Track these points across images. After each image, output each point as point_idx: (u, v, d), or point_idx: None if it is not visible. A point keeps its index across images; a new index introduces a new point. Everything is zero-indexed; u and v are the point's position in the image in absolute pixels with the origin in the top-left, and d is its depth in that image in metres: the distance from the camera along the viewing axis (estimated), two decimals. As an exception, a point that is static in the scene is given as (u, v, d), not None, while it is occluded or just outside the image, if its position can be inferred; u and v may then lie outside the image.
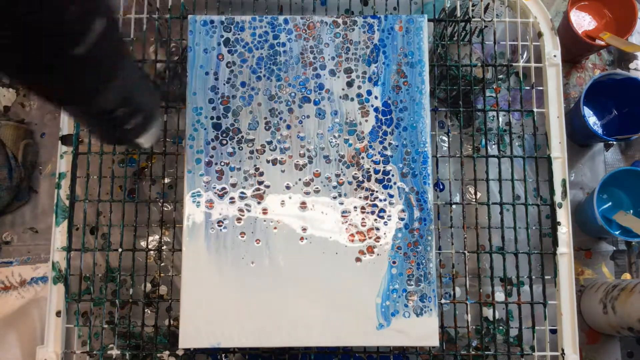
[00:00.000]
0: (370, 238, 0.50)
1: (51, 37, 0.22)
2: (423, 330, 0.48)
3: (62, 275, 0.54)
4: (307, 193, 0.50)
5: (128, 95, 0.32)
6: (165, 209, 0.60)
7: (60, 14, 0.22)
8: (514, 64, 0.58)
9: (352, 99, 0.52)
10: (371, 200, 0.50)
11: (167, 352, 0.55)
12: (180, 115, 0.56)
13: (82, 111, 0.32)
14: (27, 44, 0.22)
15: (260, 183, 0.50)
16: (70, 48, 0.23)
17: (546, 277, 0.54)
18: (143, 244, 0.60)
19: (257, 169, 0.50)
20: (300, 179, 0.50)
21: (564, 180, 0.55)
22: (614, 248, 0.64)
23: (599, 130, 0.66)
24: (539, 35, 0.58)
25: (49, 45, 0.22)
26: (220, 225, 0.50)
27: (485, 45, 0.59)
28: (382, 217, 0.50)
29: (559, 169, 0.55)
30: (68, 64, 0.24)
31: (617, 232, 0.60)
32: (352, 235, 0.50)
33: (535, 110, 0.57)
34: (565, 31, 0.63)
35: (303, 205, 0.50)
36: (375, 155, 0.51)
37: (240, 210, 0.50)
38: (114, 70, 0.28)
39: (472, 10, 0.59)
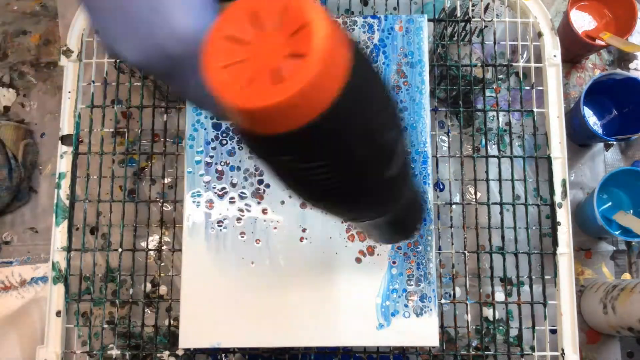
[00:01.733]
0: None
1: (369, 164, 0.22)
2: (423, 330, 0.48)
3: (62, 275, 0.54)
4: (307, 193, 0.50)
5: (415, 193, 0.33)
6: (165, 209, 0.60)
7: (380, 141, 0.21)
8: (514, 64, 0.58)
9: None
10: (371, 200, 0.50)
11: (167, 352, 0.55)
12: (180, 115, 0.56)
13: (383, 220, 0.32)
14: (344, 175, 0.21)
15: (260, 183, 0.50)
16: (385, 169, 0.23)
17: (546, 277, 0.54)
18: (143, 244, 0.60)
19: (257, 169, 0.50)
20: (300, 179, 0.50)
21: (564, 180, 0.55)
22: (614, 248, 0.64)
23: (599, 130, 0.66)
24: (539, 35, 0.58)
25: (365, 172, 0.22)
26: (220, 225, 0.50)
27: (485, 45, 0.59)
28: (382, 217, 0.50)
29: (559, 169, 0.55)
30: (379, 185, 0.24)
31: (617, 232, 0.60)
32: (352, 235, 0.50)
33: (535, 110, 0.57)
34: (565, 31, 0.63)
35: (303, 205, 0.50)
36: (375, 155, 0.51)
37: (240, 210, 0.50)
38: (408, 182, 0.28)
39: (472, 10, 0.59)
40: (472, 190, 0.63)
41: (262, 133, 0.18)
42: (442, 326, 0.53)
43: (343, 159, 0.20)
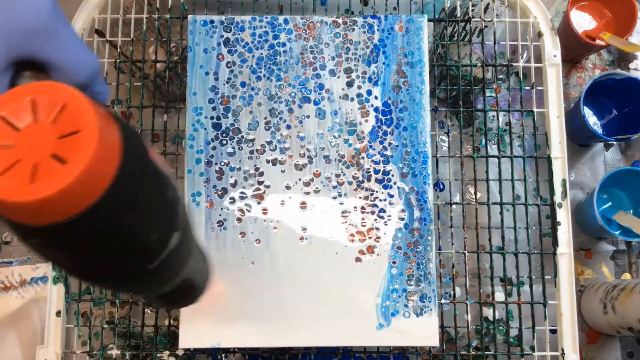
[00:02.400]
0: (370, 238, 0.50)
1: (127, 259, 0.22)
2: (423, 330, 0.48)
3: (62, 275, 0.54)
4: (307, 193, 0.50)
5: (191, 277, 0.33)
6: (165, 209, 0.60)
7: (142, 241, 0.22)
8: (514, 64, 0.58)
9: (352, 99, 0.52)
10: (371, 200, 0.50)
11: (167, 352, 0.55)
12: (180, 115, 0.56)
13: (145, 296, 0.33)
14: (93, 265, 0.22)
15: (260, 183, 0.50)
16: (146, 264, 0.23)
17: (546, 277, 0.54)
18: (143, 244, 0.60)
19: (257, 169, 0.50)
20: (300, 179, 0.50)
21: (564, 180, 0.55)
22: (614, 248, 0.64)
23: (599, 130, 0.66)
24: (539, 35, 0.58)
25: (123, 264, 0.22)
26: (220, 225, 0.50)
27: (485, 45, 0.59)
28: (382, 217, 0.50)
29: (559, 169, 0.55)
30: (141, 276, 0.24)
31: (617, 232, 0.60)
32: (352, 235, 0.50)
33: (535, 110, 0.57)
34: (565, 31, 0.63)
35: (303, 205, 0.50)
36: (375, 155, 0.51)
37: (240, 210, 0.50)
38: (181, 266, 0.29)
39: (472, 10, 0.59)
40: (472, 190, 0.63)
41: (11, 218, 0.18)
42: (442, 326, 0.53)
43: (92, 254, 0.20)
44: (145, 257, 0.23)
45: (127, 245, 0.21)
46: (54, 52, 0.24)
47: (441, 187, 0.62)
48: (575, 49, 0.65)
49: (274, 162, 0.51)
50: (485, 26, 0.59)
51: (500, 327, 0.57)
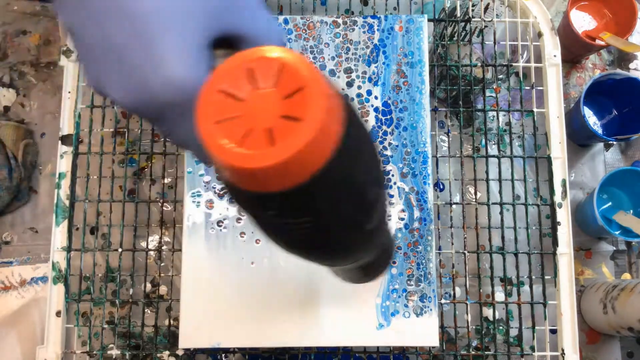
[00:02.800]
0: (370, 238, 0.49)
1: (352, 220, 0.22)
2: (423, 330, 0.48)
3: (62, 275, 0.54)
4: (307, 193, 0.50)
5: (388, 239, 0.33)
6: (165, 209, 0.60)
7: (367, 196, 0.22)
8: (514, 64, 0.58)
9: (352, 99, 0.52)
10: (371, 200, 0.50)
11: (167, 352, 0.55)
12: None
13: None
14: (327, 230, 0.22)
15: (260, 183, 0.50)
16: (366, 223, 0.23)
17: (546, 277, 0.54)
18: (143, 244, 0.60)
19: (257, 169, 0.50)
20: (300, 179, 0.50)
21: (564, 180, 0.55)
22: (614, 248, 0.64)
23: (599, 130, 0.66)
24: (539, 35, 0.58)
25: (347, 228, 0.22)
26: (220, 226, 0.50)
27: (485, 45, 0.59)
28: (382, 217, 0.50)
29: (559, 169, 0.55)
30: (362, 237, 0.24)
31: (617, 232, 0.60)
32: (352, 235, 0.49)
33: (535, 110, 0.57)
34: (565, 31, 0.63)
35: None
36: (375, 155, 0.51)
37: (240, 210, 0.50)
38: (386, 230, 0.29)
39: (472, 10, 0.59)
40: (472, 190, 0.63)
41: (249, 190, 0.18)
42: (442, 326, 0.53)
43: (328, 216, 0.20)
44: (367, 213, 0.23)
45: (356, 200, 0.21)
46: (248, 24, 0.24)
47: (441, 187, 0.62)
48: (575, 49, 0.65)
49: (274, 162, 0.51)
50: (485, 26, 0.59)
51: (500, 327, 0.57)
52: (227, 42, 0.24)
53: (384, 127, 0.51)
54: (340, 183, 0.19)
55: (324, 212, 0.20)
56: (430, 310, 0.49)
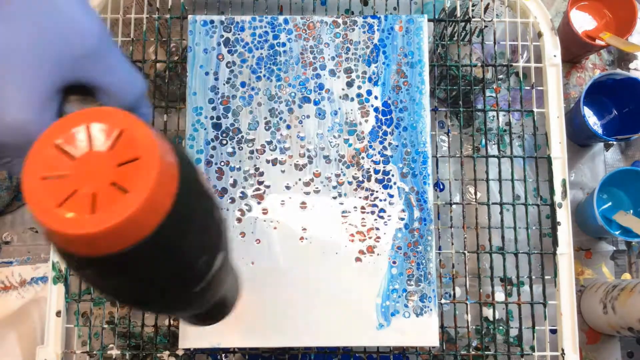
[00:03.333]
0: (370, 238, 0.50)
1: (175, 285, 0.22)
2: (423, 330, 0.48)
3: (62, 275, 0.54)
4: (307, 193, 0.50)
5: (226, 295, 0.33)
6: (165, 209, 0.60)
7: (193, 265, 0.22)
8: (514, 64, 0.58)
9: (352, 99, 0.52)
10: (371, 200, 0.50)
11: (167, 352, 0.55)
12: (180, 115, 0.56)
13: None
14: (147, 292, 0.21)
15: (260, 183, 0.50)
16: (192, 287, 0.23)
17: (546, 277, 0.54)
18: (143, 244, 0.60)
19: (257, 169, 0.50)
20: (300, 179, 0.50)
21: (564, 180, 0.55)
22: (614, 248, 0.64)
23: (599, 130, 0.66)
24: (539, 35, 0.58)
25: (169, 291, 0.22)
26: (220, 225, 0.50)
27: (485, 45, 0.59)
28: (382, 217, 0.50)
29: (559, 169, 0.55)
30: (186, 299, 0.24)
31: (617, 232, 0.60)
32: (352, 235, 0.50)
33: (535, 110, 0.57)
34: (565, 31, 0.63)
35: (303, 205, 0.50)
36: (375, 155, 0.51)
37: (240, 210, 0.50)
38: (221, 286, 0.29)
39: (472, 10, 0.59)
40: (472, 190, 0.63)
41: (67, 249, 0.18)
42: (442, 326, 0.53)
43: (147, 281, 0.20)
44: (193, 280, 0.22)
45: (180, 269, 0.21)
46: (103, 75, 0.24)
47: (441, 187, 0.62)
48: (575, 49, 0.65)
49: (274, 162, 0.51)
50: (485, 26, 0.59)
51: (500, 327, 0.57)
52: (85, 90, 0.24)
53: (384, 127, 0.51)
54: (162, 253, 0.19)
55: (143, 277, 0.20)
56: (430, 310, 0.49)
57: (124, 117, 0.17)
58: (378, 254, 0.49)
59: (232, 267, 0.32)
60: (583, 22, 0.67)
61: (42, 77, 0.21)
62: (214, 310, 0.35)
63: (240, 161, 0.51)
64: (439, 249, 0.56)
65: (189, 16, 0.53)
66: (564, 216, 0.55)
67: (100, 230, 0.16)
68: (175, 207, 0.18)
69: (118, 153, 0.17)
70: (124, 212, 0.16)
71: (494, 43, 0.58)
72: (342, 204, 0.50)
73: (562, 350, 0.52)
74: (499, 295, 0.58)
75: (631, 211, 0.63)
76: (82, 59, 0.23)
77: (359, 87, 0.52)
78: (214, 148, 0.51)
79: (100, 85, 0.24)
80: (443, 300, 0.54)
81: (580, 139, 0.65)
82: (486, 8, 0.60)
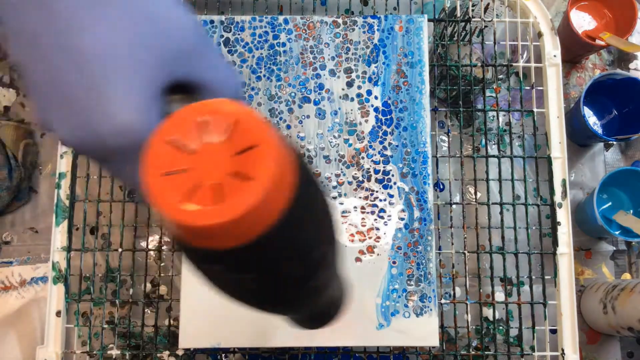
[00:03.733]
0: (370, 238, 0.49)
1: (295, 278, 0.22)
2: (423, 330, 0.48)
3: (62, 275, 0.54)
4: (307, 193, 0.50)
5: (338, 294, 0.33)
6: (165, 209, 0.60)
7: (309, 258, 0.22)
8: (514, 64, 0.58)
9: (352, 99, 0.52)
10: (371, 200, 0.50)
11: (167, 352, 0.55)
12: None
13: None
14: (270, 285, 0.21)
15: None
16: (311, 280, 0.23)
17: (546, 277, 0.54)
18: (143, 244, 0.60)
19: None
20: (300, 179, 0.50)
21: (564, 180, 0.55)
22: (614, 248, 0.64)
23: (599, 130, 0.66)
24: (539, 35, 0.58)
25: (290, 284, 0.22)
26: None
27: (485, 45, 0.59)
28: (382, 217, 0.50)
29: (559, 169, 0.55)
30: (306, 293, 0.24)
31: (617, 232, 0.60)
32: (352, 235, 0.50)
33: (535, 110, 0.57)
34: (565, 31, 0.63)
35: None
36: (375, 155, 0.51)
37: (240, 210, 0.50)
38: (334, 283, 0.28)
39: (472, 10, 0.59)
40: (472, 190, 0.63)
41: (195, 245, 0.18)
42: (442, 326, 0.53)
43: (272, 273, 0.20)
44: (312, 272, 0.22)
45: (302, 259, 0.21)
46: (204, 72, 0.23)
47: (441, 187, 0.62)
48: (575, 49, 0.65)
49: (274, 162, 0.51)
50: (485, 26, 0.59)
51: (500, 327, 0.57)
52: (184, 88, 0.24)
53: (384, 127, 0.51)
54: (287, 243, 0.19)
55: (269, 269, 0.20)
56: (430, 310, 0.49)
57: (234, 107, 0.17)
58: (378, 254, 0.49)
59: (339, 266, 0.32)
60: (583, 22, 0.67)
61: (146, 76, 0.21)
62: (329, 311, 0.34)
63: (240, 161, 0.51)
64: (439, 249, 0.56)
65: (189, 16, 0.53)
66: (564, 216, 0.55)
67: (233, 218, 0.16)
68: (296, 194, 0.18)
69: (235, 142, 0.17)
70: (252, 198, 0.16)
71: (494, 43, 0.58)
72: (342, 204, 0.50)
73: (562, 350, 0.52)
74: (499, 295, 0.58)
75: (631, 211, 0.63)
76: (182, 56, 0.22)
77: (359, 87, 0.52)
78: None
79: (202, 81, 0.23)
80: (443, 300, 0.54)
81: (580, 139, 0.65)
82: (486, 8, 0.60)
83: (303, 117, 0.51)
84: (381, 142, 0.51)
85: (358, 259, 0.49)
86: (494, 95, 0.58)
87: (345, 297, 0.36)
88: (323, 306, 0.31)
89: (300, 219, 0.19)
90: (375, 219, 0.50)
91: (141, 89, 0.21)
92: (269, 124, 0.17)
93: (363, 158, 0.51)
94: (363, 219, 0.50)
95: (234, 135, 0.17)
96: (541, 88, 0.57)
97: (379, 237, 0.49)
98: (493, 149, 0.64)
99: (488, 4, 0.60)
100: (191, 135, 0.17)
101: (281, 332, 0.48)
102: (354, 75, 0.52)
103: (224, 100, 0.17)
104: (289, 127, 0.51)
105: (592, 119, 0.66)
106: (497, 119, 0.58)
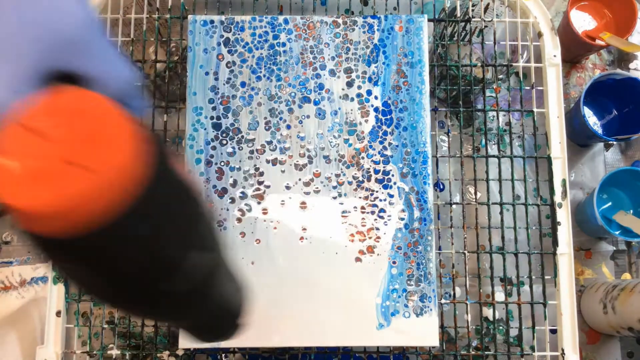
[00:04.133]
0: (370, 238, 0.50)
1: (140, 274, 0.22)
2: (423, 330, 0.48)
3: (62, 275, 0.54)
4: (307, 193, 0.50)
5: (224, 305, 0.32)
6: (165, 209, 0.60)
7: (157, 256, 0.21)
8: (514, 64, 0.58)
9: (352, 99, 0.52)
10: (371, 200, 0.50)
11: (167, 352, 0.55)
12: (180, 115, 0.56)
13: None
14: (111, 277, 0.21)
15: (260, 183, 0.50)
16: (158, 283, 0.23)
17: (546, 277, 0.54)
18: (143, 244, 0.60)
19: (257, 169, 0.50)
20: (300, 179, 0.50)
21: (564, 180, 0.55)
22: (614, 248, 0.64)
23: (599, 130, 0.66)
24: (539, 35, 0.58)
25: (136, 280, 0.22)
26: (220, 225, 0.50)
27: (485, 45, 0.59)
28: (382, 217, 0.50)
29: (559, 169, 0.55)
30: (156, 296, 0.24)
31: (617, 232, 0.60)
32: (352, 235, 0.50)
33: (535, 110, 0.57)
34: (565, 31, 0.63)
35: (303, 205, 0.50)
36: (375, 155, 0.51)
37: (240, 210, 0.50)
38: (205, 292, 0.27)
39: (472, 10, 0.59)
40: (472, 190, 0.63)
41: (32, 229, 0.18)
42: (442, 326, 0.53)
43: (111, 269, 0.20)
44: (163, 274, 0.22)
45: (148, 260, 0.21)
46: (90, 64, 0.23)
47: (441, 187, 0.62)
48: (575, 49, 0.65)
49: (274, 162, 0.51)
50: (485, 26, 0.59)
51: (500, 327, 0.57)
52: (73, 78, 0.24)
53: (384, 127, 0.51)
54: (127, 240, 0.19)
55: (108, 266, 0.20)
56: (430, 310, 0.49)
57: (95, 99, 0.18)
58: (378, 254, 0.49)
59: (231, 277, 0.31)
60: (583, 22, 0.67)
61: (24, 63, 0.21)
62: (218, 322, 0.33)
63: (240, 161, 0.51)
64: (439, 249, 0.56)
65: (189, 16, 0.53)
66: (564, 216, 0.55)
67: (61, 205, 0.16)
68: (140, 190, 0.18)
69: (79, 133, 0.17)
70: (84, 187, 0.16)
71: (494, 43, 0.58)
72: (342, 204, 0.50)
73: (562, 350, 0.52)
74: (499, 295, 0.58)
75: (631, 211, 0.63)
76: (68, 45, 0.22)
77: (359, 87, 0.52)
78: (214, 148, 0.51)
79: (85, 73, 0.23)
80: (443, 300, 0.54)
81: (580, 139, 0.65)
82: (486, 8, 0.60)
83: (303, 117, 0.51)
84: (381, 142, 0.51)
85: (358, 259, 0.49)
86: (494, 95, 0.58)
87: (242, 310, 0.34)
88: (209, 316, 0.30)
89: (146, 216, 0.19)
90: (375, 219, 0.50)
91: (13, 71, 0.21)
92: (127, 120, 0.18)
93: (363, 158, 0.51)
94: (363, 219, 0.50)
95: (79, 125, 0.17)
96: (541, 88, 0.57)
97: (379, 237, 0.49)
98: (493, 149, 0.64)
99: (488, 4, 0.60)
100: (44, 121, 0.17)
101: (281, 332, 0.48)
102: (354, 75, 0.52)
103: (86, 92, 0.18)
104: (289, 127, 0.51)
105: (592, 119, 0.66)
106: (497, 119, 0.58)
